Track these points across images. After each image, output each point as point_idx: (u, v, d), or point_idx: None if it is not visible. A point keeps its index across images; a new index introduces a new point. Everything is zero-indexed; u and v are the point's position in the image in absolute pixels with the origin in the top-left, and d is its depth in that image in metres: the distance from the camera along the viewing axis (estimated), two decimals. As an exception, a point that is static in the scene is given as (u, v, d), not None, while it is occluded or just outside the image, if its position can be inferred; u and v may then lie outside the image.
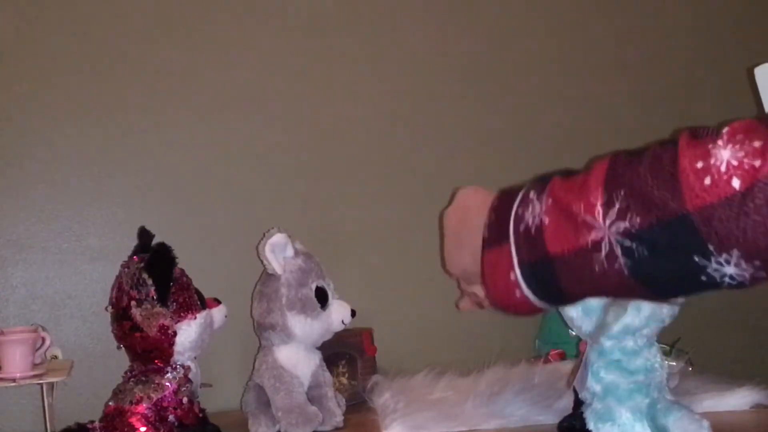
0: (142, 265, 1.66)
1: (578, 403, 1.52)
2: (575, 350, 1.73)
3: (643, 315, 1.39)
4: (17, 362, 1.65)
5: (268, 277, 1.79)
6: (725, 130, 0.93)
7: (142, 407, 1.61)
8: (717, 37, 2.47)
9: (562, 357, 1.97)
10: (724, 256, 0.93)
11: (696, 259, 0.95)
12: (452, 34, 2.26)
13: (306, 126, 2.13)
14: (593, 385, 1.45)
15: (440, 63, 2.25)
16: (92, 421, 1.66)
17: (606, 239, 0.99)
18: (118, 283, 1.69)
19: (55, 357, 1.82)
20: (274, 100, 2.11)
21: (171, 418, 1.64)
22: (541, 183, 1.09)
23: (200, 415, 1.70)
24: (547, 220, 1.05)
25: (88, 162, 1.98)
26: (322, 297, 1.78)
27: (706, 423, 1.40)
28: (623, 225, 0.98)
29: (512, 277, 1.08)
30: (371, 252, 2.18)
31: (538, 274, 1.06)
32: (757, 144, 0.90)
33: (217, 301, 1.76)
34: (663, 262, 0.98)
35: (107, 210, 1.98)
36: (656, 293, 1.06)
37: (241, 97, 2.08)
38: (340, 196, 2.15)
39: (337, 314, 1.80)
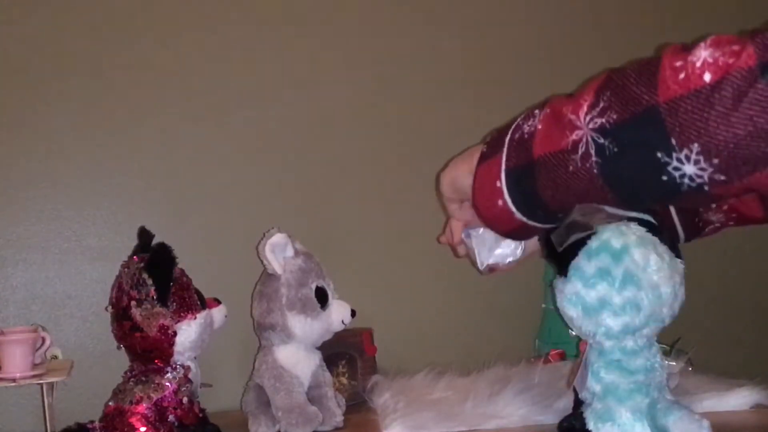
0: (142, 265, 1.66)
1: (578, 403, 1.52)
2: (575, 350, 1.73)
3: (643, 315, 1.39)
4: (17, 362, 1.65)
5: (268, 277, 1.79)
6: (710, 37, 0.98)
7: (142, 407, 1.61)
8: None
9: (562, 357, 1.96)
10: (685, 151, 0.96)
11: (658, 155, 0.98)
12: (452, 32, 2.27)
13: (307, 126, 2.14)
14: (593, 385, 1.46)
15: (441, 62, 2.26)
16: (92, 421, 1.65)
17: (584, 138, 1.04)
18: (118, 283, 1.69)
19: (55, 357, 1.82)
20: (274, 100, 2.12)
21: (171, 417, 1.64)
22: (546, 102, 1.14)
23: (200, 415, 1.70)
24: (540, 126, 1.10)
25: (89, 162, 1.98)
26: (322, 297, 1.78)
27: (706, 423, 1.40)
28: (600, 121, 1.02)
29: (498, 184, 1.13)
30: (371, 252, 2.18)
31: (521, 178, 1.10)
32: (735, 47, 0.93)
33: (217, 301, 1.76)
34: (629, 159, 1.02)
35: (107, 210, 1.98)
36: (621, 196, 1.09)
37: (240, 97, 2.09)
38: (341, 196, 2.16)
39: (337, 314, 1.80)
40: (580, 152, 1.04)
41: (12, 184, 1.93)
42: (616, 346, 1.44)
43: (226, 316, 1.77)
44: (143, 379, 1.65)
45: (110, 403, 1.65)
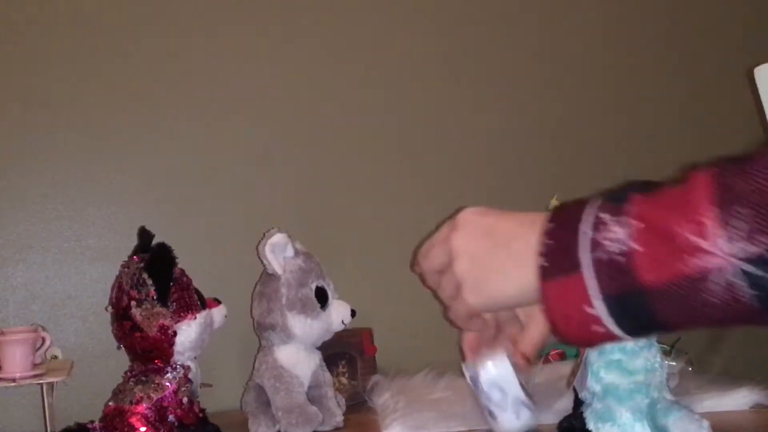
0: (142, 265, 1.67)
1: (578, 403, 1.52)
2: (575, 350, 1.73)
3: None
4: (17, 362, 1.66)
5: (268, 277, 1.79)
6: None
7: (142, 407, 1.62)
8: (717, 37, 2.48)
9: (562, 357, 1.98)
10: None
11: None
12: (452, 34, 2.28)
13: (306, 126, 2.14)
14: (593, 385, 1.46)
15: (442, 63, 2.26)
16: (92, 421, 1.66)
17: (724, 266, 0.88)
18: (118, 283, 1.69)
19: (55, 357, 1.83)
20: (275, 100, 2.12)
21: (171, 418, 1.64)
22: (615, 202, 0.97)
23: (200, 415, 1.71)
24: (637, 246, 0.92)
25: (88, 162, 1.99)
26: (322, 297, 1.78)
27: (706, 423, 1.40)
28: (752, 250, 0.87)
29: (590, 310, 0.96)
30: (371, 252, 2.19)
31: (629, 307, 0.94)
32: None
33: (217, 301, 1.76)
34: None
35: (107, 210, 1.99)
36: None
37: (241, 97, 2.09)
38: (341, 196, 2.17)
39: (337, 314, 1.81)
40: (721, 283, 0.90)
41: (12, 184, 1.94)
42: (616, 346, 1.44)
43: (226, 316, 1.77)
44: (143, 379, 1.65)
45: (110, 403, 1.65)
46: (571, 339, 1.00)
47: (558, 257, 1.00)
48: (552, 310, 1.00)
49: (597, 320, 0.96)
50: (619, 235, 0.94)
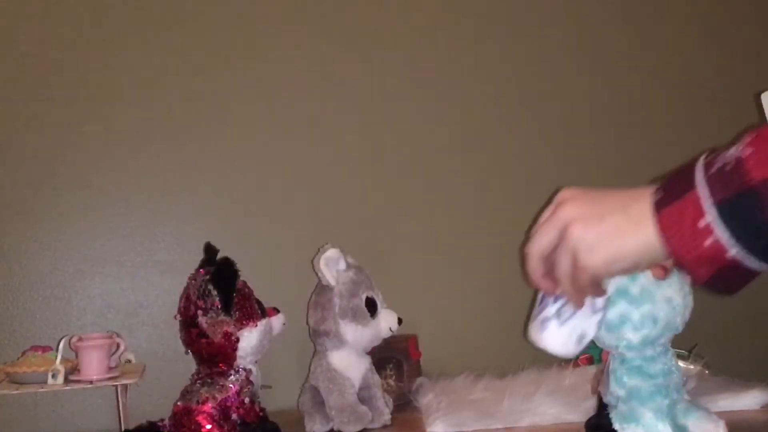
0: (207, 277, 1.72)
1: (602, 407, 1.56)
2: (600, 355, 1.80)
3: (659, 326, 1.45)
4: (94, 365, 1.74)
5: (322, 288, 1.85)
6: None
7: (208, 407, 1.68)
8: (725, 62, 2.50)
9: (590, 361, 2.02)
10: None
11: None
12: (495, 43, 2.33)
13: (356, 155, 2.21)
14: (617, 390, 1.50)
15: (487, 71, 2.31)
16: (162, 420, 1.73)
17: None
18: (186, 294, 1.76)
19: (129, 361, 1.88)
20: (329, 121, 2.18)
21: (234, 416, 1.70)
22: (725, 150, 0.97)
23: (261, 413, 1.76)
24: (748, 152, 0.93)
25: (159, 183, 2.08)
26: (371, 306, 1.84)
27: (722, 422, 1.45)
28: None
29: (702, 224, 0.95)
30: (416, 265, 2.23)
31: (739, 208, 0.93)
32: None
33: (276, 310, 1.82)
34: None
35: (176, 227, 2.08)
36: None
37: (300, 118, 2.16)
38: (388, 213, 2.21)
39: (385, 322, 1.86)
40: None
41: (90, 204, 2.01)
42: (636, 355, 1.50)
43: (284, 324, 1.83)
44: (209, 381, 1.72)
45: (179, 403, 1.72)
46: (683, 258, 0.98)
47: (673, 186, 0.99)
48: (666, 235, 0.98)
49: (709, 232, 0.94)
50: (731, 152, 0.94)
